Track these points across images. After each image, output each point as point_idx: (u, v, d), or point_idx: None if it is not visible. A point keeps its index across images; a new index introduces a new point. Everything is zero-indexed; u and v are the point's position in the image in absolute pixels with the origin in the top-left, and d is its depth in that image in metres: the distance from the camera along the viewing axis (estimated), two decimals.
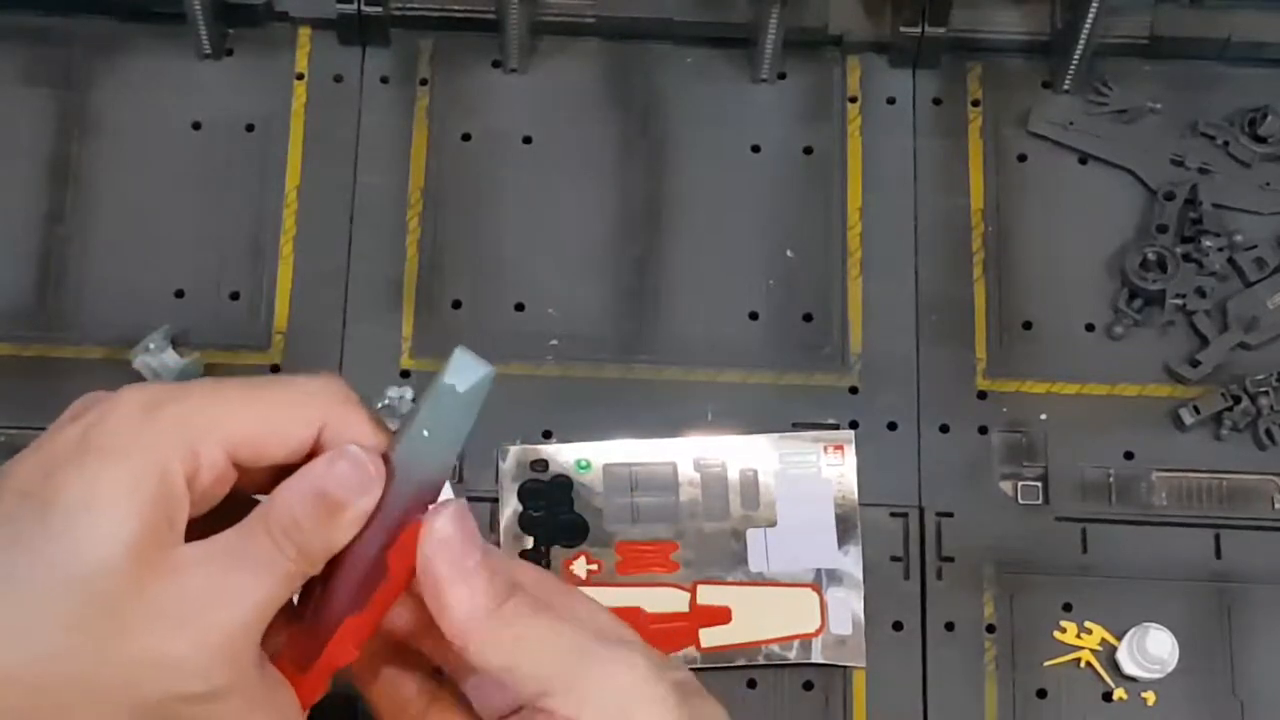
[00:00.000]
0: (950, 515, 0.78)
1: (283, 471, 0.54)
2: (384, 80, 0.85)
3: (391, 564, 0.54)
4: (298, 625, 0.56)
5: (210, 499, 0.54)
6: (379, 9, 0.84)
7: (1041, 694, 0.76)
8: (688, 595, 0.77)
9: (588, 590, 0.61)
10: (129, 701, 0.51)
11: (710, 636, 0.76)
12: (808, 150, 0.84)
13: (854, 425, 0.80)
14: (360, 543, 0.54)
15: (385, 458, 0.54)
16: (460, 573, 0.53)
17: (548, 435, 0.79)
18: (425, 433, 0.53)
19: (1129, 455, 0.80)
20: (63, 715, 0.51)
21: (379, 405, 0.78)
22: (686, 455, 0.79)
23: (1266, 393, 0.79)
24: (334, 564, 0.54)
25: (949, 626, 0.77)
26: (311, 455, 0.54)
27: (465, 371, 0.52)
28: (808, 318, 0.82)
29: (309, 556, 0.53)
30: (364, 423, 0.54)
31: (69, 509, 0.51)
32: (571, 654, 0.54)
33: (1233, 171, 0.84)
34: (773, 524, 0.78)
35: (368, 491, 0.53)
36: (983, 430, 0.80)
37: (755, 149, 0.84)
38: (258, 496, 0.55)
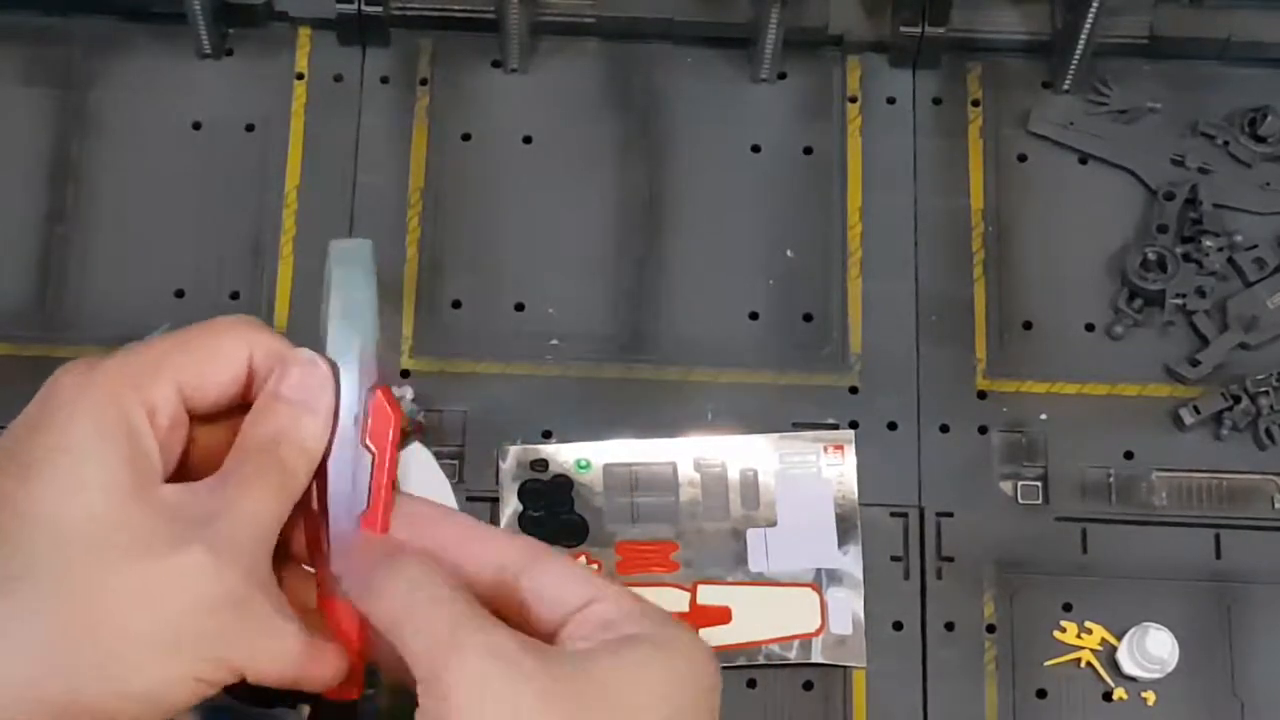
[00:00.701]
0: (950, 515, 0.78)
1: (230, 428, 0.56)
2: (384, 80, 0.85)
3: (374, 445, 0.56)
4: (321, 565, 0.56)
5: (172, 446, 0.55)
6: (379, 9, 0.84)
7: (1041, 694, 0.76)
8: (688, 595, 0.77)
9: None
10: (164, 622, 0.52)
11: (710, 636, 0.76)
12: (808, 150, 0.84)
13: (854, 425, 0.80)
14: (335, 445, 0.56)
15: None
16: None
17: (548, 435, 0.79)
18: (340, 320, 0.56)
19: (1129, 455, 0.80)
20: (93, 649, 0.52)
21: None
22: (686, 455, 0.79)
23: (1266, 393, 0.79)
24: (322, 484, 0.56)
25: (949, 626, 0.77)
26: (248, 393, 0.56)
27: (342, 249, 0.56)
28: (808, 318, 0.82)
29: (292, 470, 0.55)
30: (282, 342, 0.57)
31: (45, 460, 0.53)
32: (439, 644, 0.52)
33: (1233, 171, 0.84)
34: (773, 524, 0.78)
35: (325, 388, 0.56)
36: (983, 430, 0.80)
37: (755, 149, 0.84)
38: None
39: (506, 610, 0.55)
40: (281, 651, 0.55)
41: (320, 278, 0.83)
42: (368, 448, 0.56)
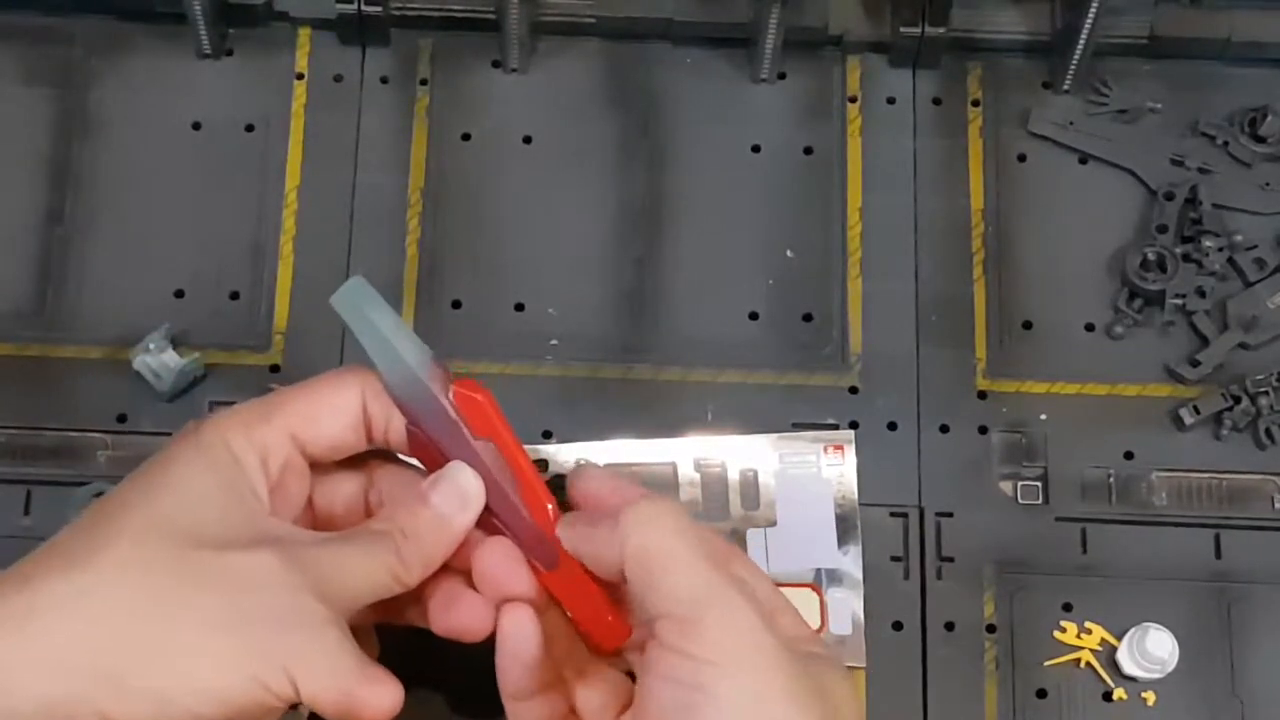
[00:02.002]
0: (950, 515, 0.78)
1: (360, 500, 0.61)
2: (384, 80, 0.85)
3: (487, 435, 0.60)
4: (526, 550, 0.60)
5: (290, 491, 0.59)
6: (379, 9, 0.84)
7: (1041, 694, 0.76)
8: None
9: None
10: (219, 612, 0.54)
11: None
12: (808, 150, 0.84)
13: (854, 425, 0.80)
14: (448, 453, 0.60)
15: (401, 406, 0.60)
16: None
17: (548, 435, 0.79)
18: (386, 360, 0.59)
19: (1129, 455, 0.80)
20: (156, 638, 0.54)
21: None
22: (686, 455, 0.79)
23: (1266, 393, 0.79)
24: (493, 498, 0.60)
25: (949, 626, 0.77)
26: (369, 437, 0.60)
27: (350, 292, 0.59)
28: (808, 318, 0.82)
29: (407, 562, 0.58)
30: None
31: (160, 478, 0.57)
32: (701, 588, 0.56)
33: (1233, 171, 0.84)
34: (773, 524, 0.78)
35: (469, 509, 0.59)
36: (983, 430, 0.80)
37: (755, 149, 0.84)
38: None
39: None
40: (335, 669, 0.55)
41: (320, 277, 0.83)
42: (482, 439, 0.59)
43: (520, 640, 0.59)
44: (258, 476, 0.57)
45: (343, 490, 0.61)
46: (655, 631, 0.55)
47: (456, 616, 0.60)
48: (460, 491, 0.59)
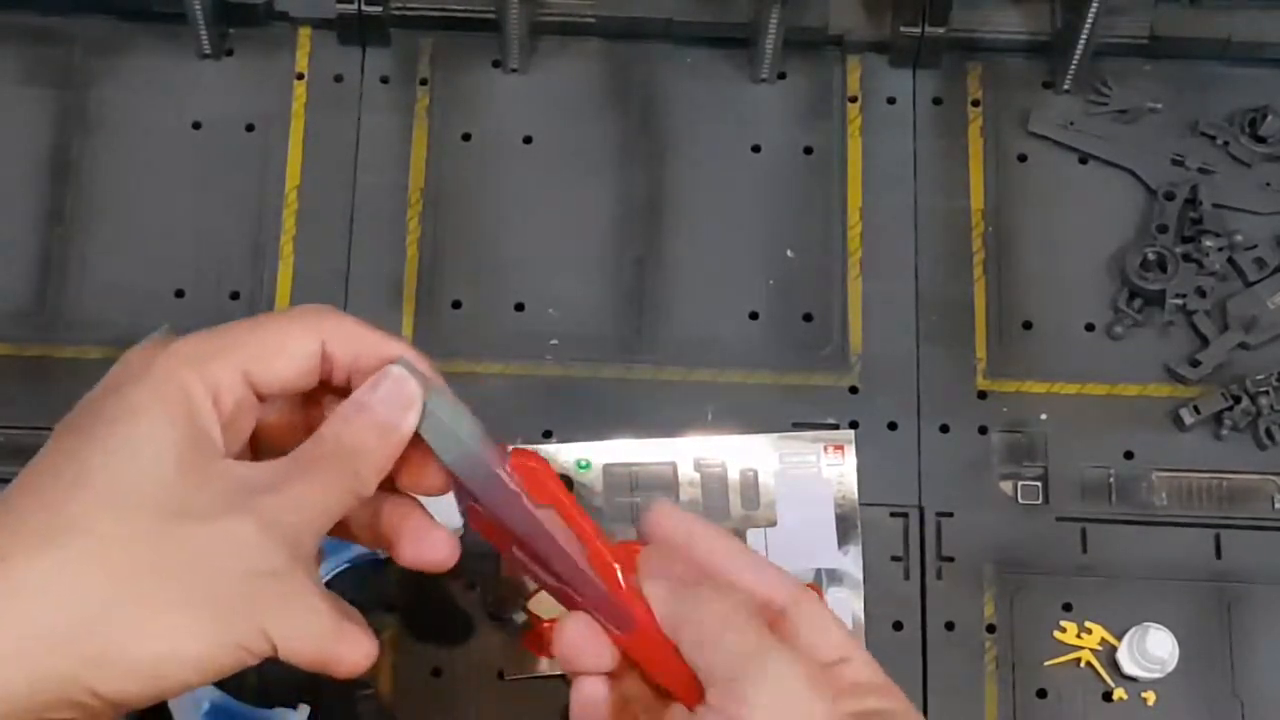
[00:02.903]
0: (950, 515, 0.78)
1: (303, 414, 0.59)
2: (384, 80, 0.85)
3: (545, 500, 0.59)
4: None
5: (239, 426, 0.58)
6: (379, 9, 0.84)
7: (1041, 694, 0.76)
8: None
9: None
10: (209, 585, 0.54)
11: None
12: (808, 150, 0.84)
13: (854, 425, 0.80)
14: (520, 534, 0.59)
15: (460, 483, 0.59)
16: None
17: (548, 435, 0.79)
18: (442, 440, 0.59)
19: (1129, 455, 0.80)
20: (132, 606, 0.53)
21: None
22: (686, 455, 0.79)
23: (1266, 393, 0.79)
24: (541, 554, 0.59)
25: (949, 626, 0.77)
26: (324, 381, 0.59)
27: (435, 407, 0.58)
28: (808, 318, 0.82)
29: (362, 478, 0.57)
30: (360, 327, 0.59)
31: (108, 424, 0.55)
32: (748, 647, 0.56)
33: (1233, 171, 0.84)
34: (773, 524, 0.78)
35: (411, 408, 0.58)
36: (983, 430, 0.80)
37: (755, 149, 0.84)
38: None
39: None
40: (313, 628, 0.56)
41: (321, 277, 0.84)
42: (543, 506, 0.59)
43: (591, 710, 0.60)
44: (211, 419, 0.56)
45: (284, 407, 0.61)
46: (704, 691, 0.56)
47: (426, 551, 0.60)
48: (400, 391, 0.58)
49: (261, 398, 0.58)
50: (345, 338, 0.59)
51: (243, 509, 0.54)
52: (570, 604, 0.60)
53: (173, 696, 0.55)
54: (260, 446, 0.60)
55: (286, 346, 0.58)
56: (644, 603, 0.58)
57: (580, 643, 0.59)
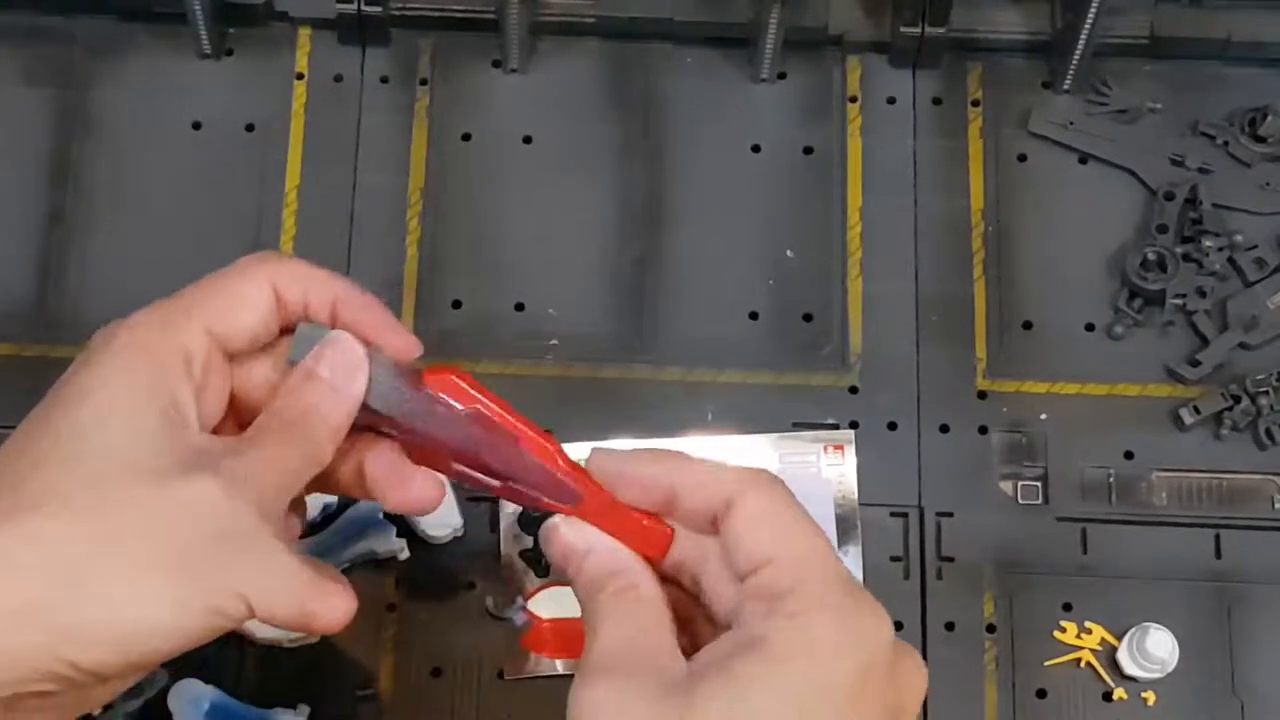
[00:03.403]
0: (950, 515, 0.78)
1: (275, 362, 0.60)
2: (384, 80, 0.85)
3: (486, 409, 0.60)
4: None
5: (215, 392, 0.58)
6: (379, 9, 0.84)
7: (1041, 694, 0.76)
8: None
9: None
10: (180, 550, 0.53)
11: None
12: (808, 150, 0.84)
13: (854, 425, 0.80)
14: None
15: (384, 419, 0.59)
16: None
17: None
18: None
19: (1129, 455, 0.80)
20: (101, 575, 0.53)
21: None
22: None
23: (1266, 393, 0.79)
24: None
25: (949, 626, 0.77)
26: (283, 329, 0.59)
27: (299, 347, 0.59)
28: (808, 318, 0.82)
29: (317, 442, 0.57)
30: (304, 266, 0.60)
31: (78, 397, 0.56)
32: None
33: (1233, 171, 0.84)
34: None
35: (359, 370, 0.58)
36: (983, 430, 0.80)
37: (755, 149, 0.84)
38: None
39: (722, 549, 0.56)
40: (288, 586, 0.56)
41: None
42: (469, 409, 0.59)
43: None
44: (183, 386, 0.57)
45: (259, 371, 0.61)
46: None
47: (410, 492, 0.60)
48: (346, 357, 0.58)
49: (230, 356, 0.59)
50: (293, 278, 0.60)
51: (208, 469, 0.54)
52: (517, 498, 0.60)
53: (152, 665, 0.54)
54: (244, 418, 0.60)
55: (243, 296, 0.59)
56: (583, 473, 0.60)
57: (576, 539, 0.59)
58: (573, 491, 0.60)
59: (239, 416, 0.60)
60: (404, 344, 0.61)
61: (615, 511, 0.60)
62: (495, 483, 0.61)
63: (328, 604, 0.57)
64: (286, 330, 0.60)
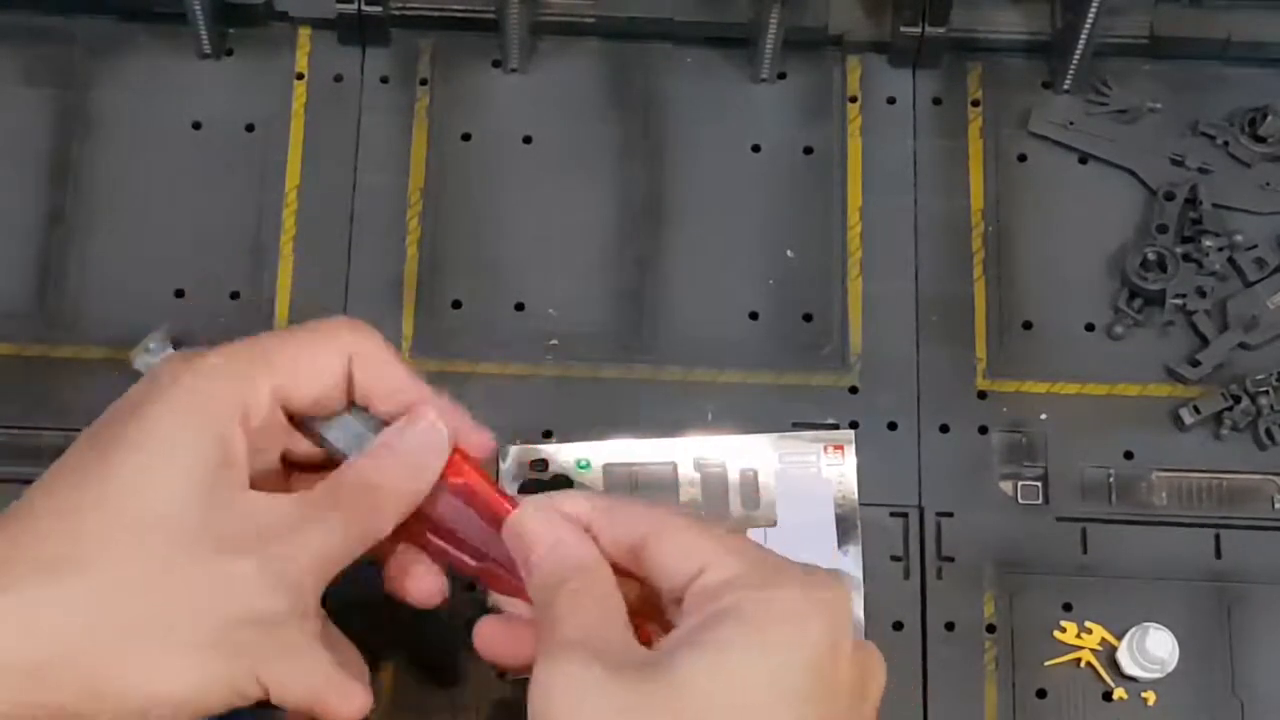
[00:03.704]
0: (950, 515, 0.78)
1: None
2: (384, 80, 0.85)
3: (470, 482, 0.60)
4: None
5: (268, 445, 0.58)
6: (379, 9, 0.84)
7: (1041, 694, 0.76)
8: None
9: None
10: (204, 625, 0.53)
11: None
12: (808, 150, 0.84)
13: (854, 425, 0.79)
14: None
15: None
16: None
17: (548, 435, 0.79)
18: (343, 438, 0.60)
19: (1129, 455, 0.80)
20: (132, 642, 0.53)
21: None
22: (686, 455, 0.79)
23: (1266, 393, 0.79)
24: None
25: (949, 626, 0.77)
26: (350, 398, 0.58)
27: None
28: (808, 318, 0.82)
29: (381, 517, 0.57)
30: (386, 351, 0.59)
31: (131, 446, 0.54)
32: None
33: (1233, 171, 0.84)
34: (773, 524, 0.78)
35: (440, 453, 0.58)
36: (983, 430, 0.80)
37: (755, 149, 0.84)
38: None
39: (643, 579, 0.56)
40: (308, 680, 0.55)
41: (321, 277, 0.84)
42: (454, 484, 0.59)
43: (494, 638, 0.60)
44: (239, 444, 0.56)
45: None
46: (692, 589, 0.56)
47: (412, 585, 0.60)
48: (432, 438, 0.58)
49: (290, 417, 0.58)
50: (371, 360, 0.58)
51: (249, 552, 0.54)
52: (495, 583, 0.60)
53: None
54: (288, 466, 0.59)
55: (317, 363, 0.58)
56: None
57: (498, 640, 0.60)
58: None
59: (288, 472, 0.59)
60: (480, 441, 0.61)
61: None
62: (473, 562, 0.60)
63: (342, 700, 0.56)
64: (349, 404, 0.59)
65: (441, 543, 0.60)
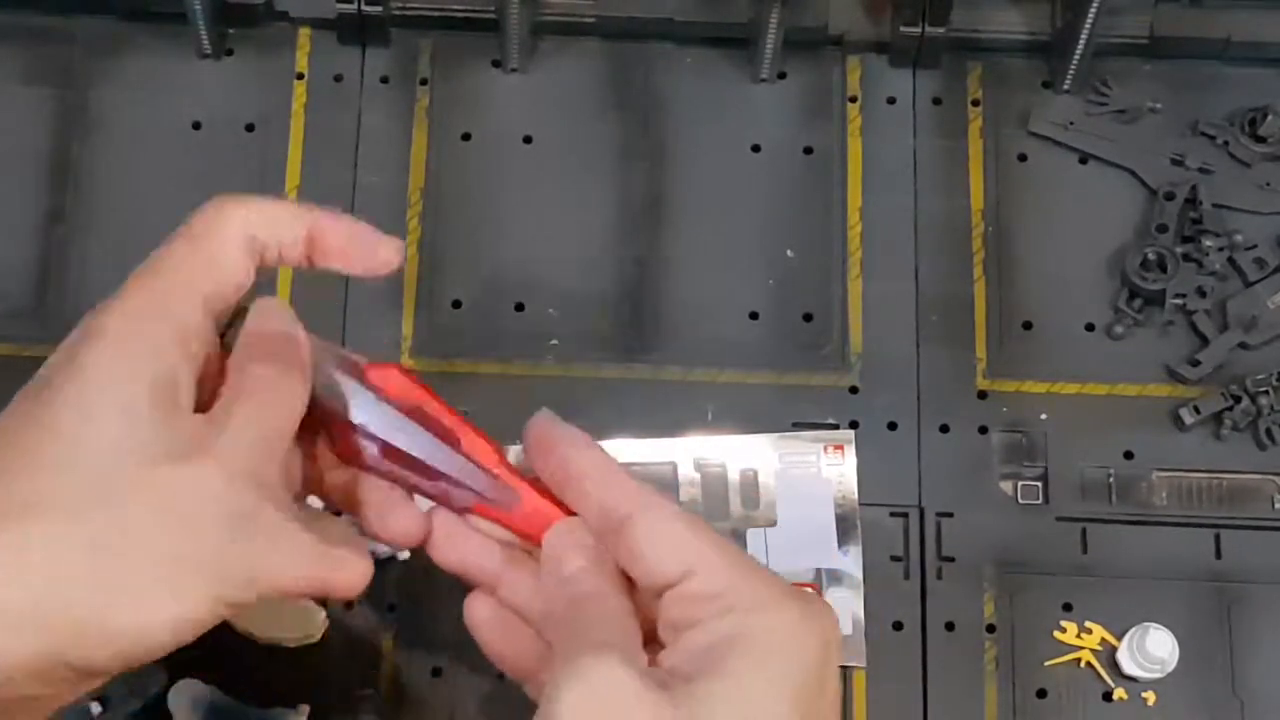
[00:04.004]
0: (950, 515, 0.78)
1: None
2: (384, 80, 0.85)
3: (427, 408, 0.60)
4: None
5: (209, 365, 0.57)
6: (379, 9, 0.84)
7: (1041, 694, 0.76)
8: None
9: None
10: (175, 541, 0.53)
11: None
12: (808, 150, 0.84)
13: (854, 425, 0.80)
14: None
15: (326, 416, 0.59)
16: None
17: None
18: None
19: (1129, 455, 0.80)
20: (116, 571, 0.52)
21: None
22: (686, 455, 0.79)
23: (1266, 393, 0.79)
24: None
25: (949, 626, 0.77)
26: (262, 264, 0.59)
27: None
28: (808, 318, 0.82)
29: (292, 392, 0.57)
30: (272, 208, 0.59)
31: (69, 384, 0.54)
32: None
33: (1233, 171, 0.84)
34: (773, 524, 0.78)
35: (294, 319, 0.58)
36: (983, 430, 0.80)
37: (755, 149, 0.84)
38: None
39: (617, 557, 0.56)
40: (299, 559, 0.55)
41: (321, 277, 0.83)
42: (409, 406, 0.59)
43: (489, 629, 0.60)
44: (182, 367, 0.55)
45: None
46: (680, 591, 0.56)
47: (393, 525, 0.60)
48: (278, 311, 0.58)
49: (218, 320, 0.58)
50: (265, 222, 0.58)
51: (204, 452, 0.53)
52: (450, 500, 0.60)
53: (145, 661, 0.54)
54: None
55: (230, 260, 0.58)
56: (521, 478, 0.60)
57: (462, 543, 0.59)
58: (512, 494, 0.59)
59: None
60: (388, 252, 0.60)
61: (551, 516, 0.59)
62: (428, 484, 0.60)
63: (342, 571, 0.56)
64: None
65: (394, 466, 0.60)
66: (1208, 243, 0.81)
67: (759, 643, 0.54)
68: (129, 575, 0.52)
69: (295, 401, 0.57)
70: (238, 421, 0.55)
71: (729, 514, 0.78)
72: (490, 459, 0.60)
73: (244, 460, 0.54)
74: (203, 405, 0.56)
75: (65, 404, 0.54)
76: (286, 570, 0.55)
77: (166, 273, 0.57)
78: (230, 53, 0.85)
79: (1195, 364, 0.80)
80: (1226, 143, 0.84)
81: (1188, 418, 0.79)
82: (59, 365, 0.56)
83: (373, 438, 0.59)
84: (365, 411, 0.59)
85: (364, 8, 0.83)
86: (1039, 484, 0.79)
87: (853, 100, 0.85)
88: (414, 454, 0.59)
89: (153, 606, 0.53)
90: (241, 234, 0.58)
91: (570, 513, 0.59)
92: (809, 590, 0.57)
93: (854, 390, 0.80)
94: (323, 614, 0.74)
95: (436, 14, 0.85)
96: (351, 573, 0.57)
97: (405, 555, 0.76)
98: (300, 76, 0.85)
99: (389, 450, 0.59)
